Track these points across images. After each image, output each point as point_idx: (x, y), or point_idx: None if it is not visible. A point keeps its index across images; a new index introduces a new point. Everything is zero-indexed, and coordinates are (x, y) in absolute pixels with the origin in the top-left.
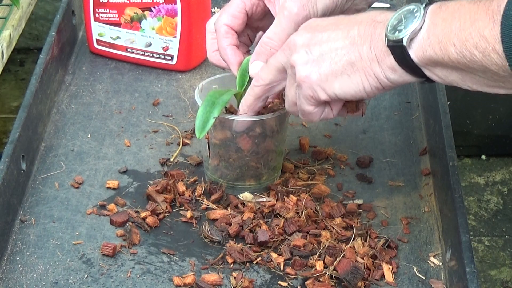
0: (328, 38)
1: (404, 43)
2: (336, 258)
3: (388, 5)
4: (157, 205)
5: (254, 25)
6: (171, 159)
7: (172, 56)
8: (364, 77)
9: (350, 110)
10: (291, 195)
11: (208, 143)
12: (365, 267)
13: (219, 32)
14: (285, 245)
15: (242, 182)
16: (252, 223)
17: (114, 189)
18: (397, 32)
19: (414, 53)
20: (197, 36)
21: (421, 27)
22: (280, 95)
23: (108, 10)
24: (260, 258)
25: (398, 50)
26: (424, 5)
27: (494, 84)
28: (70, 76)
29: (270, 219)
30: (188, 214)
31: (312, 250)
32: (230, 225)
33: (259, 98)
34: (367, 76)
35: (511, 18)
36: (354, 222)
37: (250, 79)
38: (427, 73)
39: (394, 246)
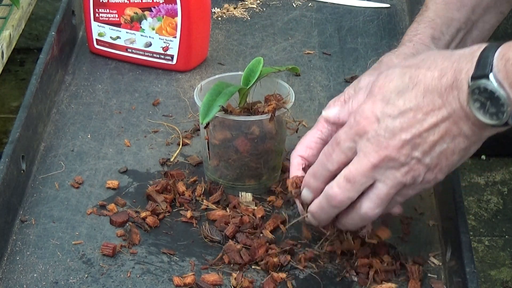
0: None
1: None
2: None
3: (388, 5)
4: (157, 205)
5: None
6: (171, 159)
7: (172, 56)
8: (476, 147)
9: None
10: None
11: (208, 143)
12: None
13: (292, 164)
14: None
15: (242, 182)
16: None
17: (114, 189)
18: (494, 116)
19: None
20: (197, 36)
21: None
22: None
23: (108, 10)
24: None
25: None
26: (487, 72)
27: None
28: (70, 76)
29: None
30: (188, 214)
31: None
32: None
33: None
34: (478, 144)
35: None
36: None
37: (258, 78)
38: None
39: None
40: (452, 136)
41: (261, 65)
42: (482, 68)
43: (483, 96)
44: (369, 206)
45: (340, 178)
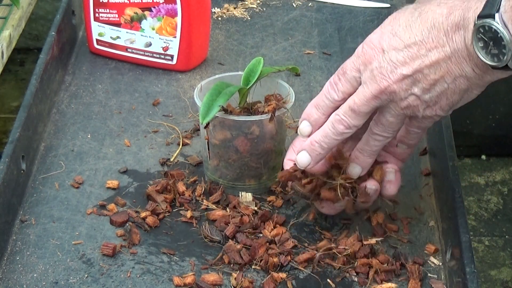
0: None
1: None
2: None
3: (388, 5)
4: (157, 205)
5: None
6: (171, 159)
7: (172, 56)
8: (478, 90)
9: None
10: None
11: (208, 143)
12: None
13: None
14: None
15: (242, 182)
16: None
17: (114, 189)
18: (495, 57)
19: None
20: (197, 36)
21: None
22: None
23: (108, 10)
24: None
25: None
26: (493, 13)
27: None
28: (70, 76)
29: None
30: (188, 214)
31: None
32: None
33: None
34: (480, 88)
35: None
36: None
37: (258, 78)
38: None
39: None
40: (454, 76)
41: (261, 65)
42: (490, 7)
43: (487, 36)
44: (378, 130)
45: (345, 106)
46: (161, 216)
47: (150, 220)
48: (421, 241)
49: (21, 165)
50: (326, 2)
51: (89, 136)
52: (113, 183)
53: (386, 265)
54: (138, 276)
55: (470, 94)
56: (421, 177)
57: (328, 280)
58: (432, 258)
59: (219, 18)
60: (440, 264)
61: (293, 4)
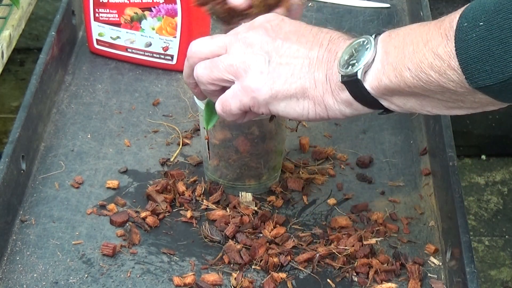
0: (288, 52)
1: (359, 76)
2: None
3: (388, 5)
4: (157, 205)
5: None
6: (171, 159)
7: (172, 56)
8: (313, 105)
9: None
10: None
11: (208, 143)
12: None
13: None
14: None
15: (242, 182)
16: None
17: (114, 189)
18: (350, 67)
19: (370, 85)
20: (197, 36)
21: (373, 59)
22: None
23: (108, 10)
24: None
25: (353, 85)
26: (374, 36)
27: (453, 105)
28: (70, 76)
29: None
30: (188, 214)
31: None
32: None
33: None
34: (316, 105)
35: (464, 30)
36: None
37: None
38: (385, 103)
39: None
40: (304, 74)
41: None
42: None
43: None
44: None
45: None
46: (161, 216)
47: (150, 220)
48: (421, 241)
49: (21, 165)
50: (326, 2)
51: (89, 136)
52: (113, 183)
53: (386, 265)
54: (138, 276)
55: (301, 105)
56: (421, 177)
57: (328, 280)
58: (432, 258)
59: None
60: (440, 264)
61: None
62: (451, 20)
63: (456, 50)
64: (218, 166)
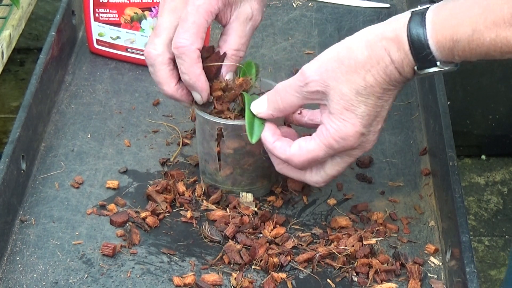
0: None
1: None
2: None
3: (388, 5)
4: (157, 205)
5: None
6: (171, 159)
7: None
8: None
9: None
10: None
11: (218, 154)
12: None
13: (192, 58)
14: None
15: (255, 184)
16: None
17: (114, 189)
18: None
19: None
20: None
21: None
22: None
23: (108, 10)
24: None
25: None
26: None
27: None
28: (70, 76)
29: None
30: (188, 214)
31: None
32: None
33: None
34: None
35: None
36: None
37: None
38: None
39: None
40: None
41: (253, 69)
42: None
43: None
44: None
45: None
46: (161, 216)
47: (150, 220)
48: (421, 241)
49: (21, 165)
50: (326, 2)
51: (89, 136)
52: (113, 183)
53: (386, 265)
54: (138, 276)
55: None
56: (421, 177)
57: (328, 280)
58: (432, 258)
59: None
60: (440, 264)
61: (293, 4)
62: None
63: None
64: (231, 175)
